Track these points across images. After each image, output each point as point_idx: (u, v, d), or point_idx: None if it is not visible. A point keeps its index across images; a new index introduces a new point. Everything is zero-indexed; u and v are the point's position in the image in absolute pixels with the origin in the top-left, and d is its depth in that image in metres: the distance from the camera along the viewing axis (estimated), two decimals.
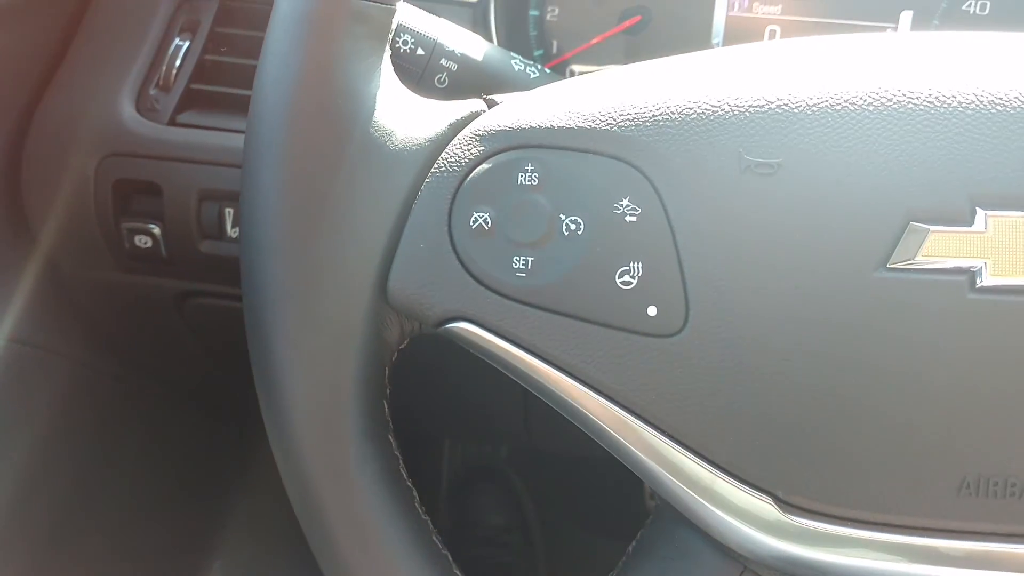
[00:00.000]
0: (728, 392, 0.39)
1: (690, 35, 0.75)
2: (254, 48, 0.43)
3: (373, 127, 0.41)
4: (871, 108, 0.38)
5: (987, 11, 0.70)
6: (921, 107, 0.38)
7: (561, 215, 0.40)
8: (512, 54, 0.57)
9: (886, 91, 0.39)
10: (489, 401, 0.82)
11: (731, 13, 0.74)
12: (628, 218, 0.39)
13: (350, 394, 0.41)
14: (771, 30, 0.73)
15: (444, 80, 0.53)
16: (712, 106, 0.39)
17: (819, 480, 0.39)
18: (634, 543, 0.46)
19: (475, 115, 0.43)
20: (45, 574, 0.79)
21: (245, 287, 0.41)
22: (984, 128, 0.38)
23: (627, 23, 0.75)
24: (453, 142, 0.42)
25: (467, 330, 0.40)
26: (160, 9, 0.68)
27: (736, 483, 0.39)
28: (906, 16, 0.71)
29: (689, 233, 0.39)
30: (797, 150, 0.38)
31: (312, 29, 0.40)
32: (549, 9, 0.77)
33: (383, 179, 0.41)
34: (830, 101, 0.39)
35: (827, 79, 0.40)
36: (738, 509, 0.40)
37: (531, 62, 0.58)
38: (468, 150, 0.41)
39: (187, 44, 0.67)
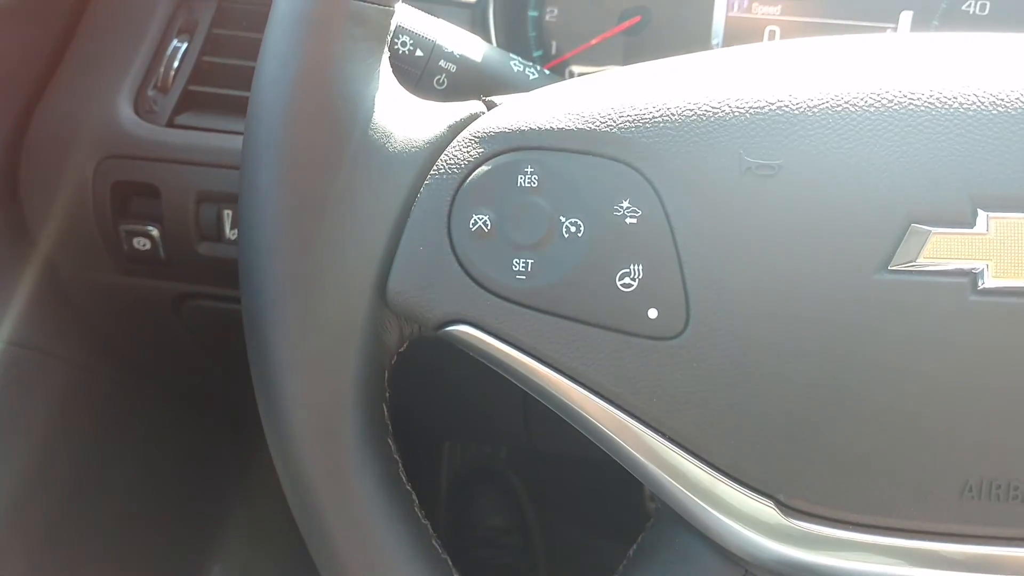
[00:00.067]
0: (729, 395, 0.38)
1: (690, 36, 0.74)
2: (252, 50, 0.43)
3: (372, 129, 0.40)
4: (872, 109, 0.38)
5: (987, 11, 0.69)
6: (922, 108, 0.38)
7: (561, 217, 0.40)
8: (511, 55, 0.57)
9: (887, 92, 0.39)
10: (489, 402, 0.82)
11: (731, 14, 0.73)
12: (628, 220, 0.39)
13: (349, 397, 0.41)
14: (771, 30, 0.73)
15: (443, 81, 0.53)
16: (712, 107, 0.39)
17: (821, 483, 0.39)
18: (635, 546, 0.46)
19: (474, 117, 0.43)
20: None
21: (244, 289, 0.41)
22: (985, 129, 0.38)
23: (626, 24, 0.75)
24: (452, 144, 0.42)
25: (467, 333, 0.40)
26: (158, 11, 0.68)
27: (737, 486, 0.39)
28: (906, 16, 0.70)
29: (690, 235, 0.38)
30: (798, 152, 0.38)
31: (310, 30, 0.40)
32: (548, 10, 0.77)
33: (382, 181, 0.40)
34: (831, 102, 0.39)
35: (828, 80, 0.39)
36: (739, 512, 0.39)
37: (530, 63, 0.57)
38: (467, 152, 0.41)
39: (185, 45, 0.67)
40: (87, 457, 0.83)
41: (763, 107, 0.39)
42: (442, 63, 0.52)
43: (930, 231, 0.37)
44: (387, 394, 0.43)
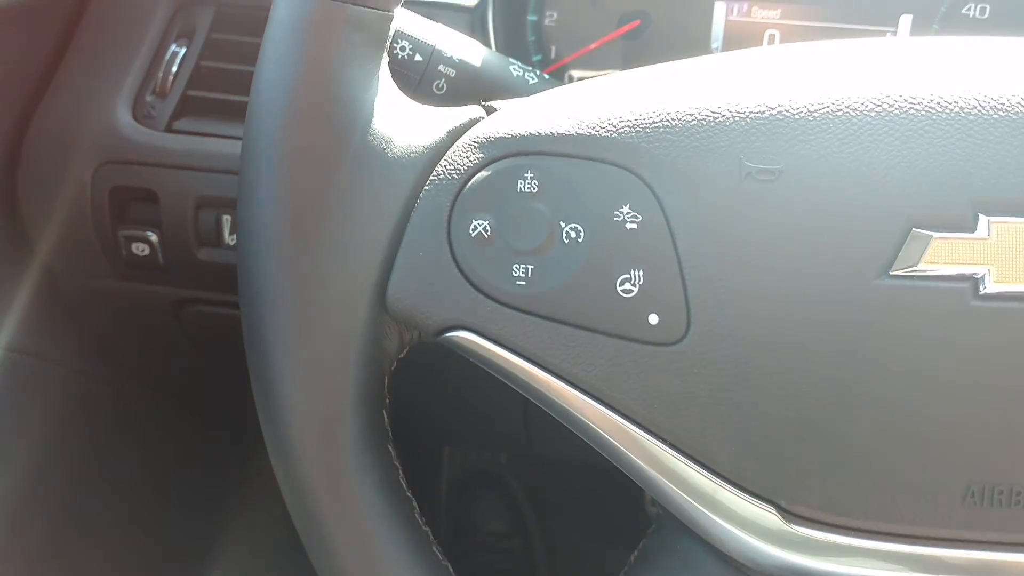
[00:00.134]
0: (730, 401, 0.38)
1: (689, 39, 0.74)
2: (251, 54, 0.43)
3: (371, 134, 0.40)
4: (872, 114, 0.38)
5: (987, 15, 0.69)
6: (922, 112, 0.38)
7: (561, 222, 0.39)
8: (511, 60, 0.57)
9: (887, 96, 0.39)
10: (489, 407, 0.82)
11: (730, 17, 0.73)
12: (629, 225, 0.39)
13: (349, 403, 0.41)
14: (770, 34, 0.73)
15: (442, 86, 0.53)
16: (713, 112, 0.39)
17: (822, 489, 0.39)
18: (636, 552, 0.46)
19: (474, 122, 0.43)
20: None
21: (243, 294, 0.41)
22: (986, 133, 0.37)
23: (626, 28, 0.75)
24: (452, 149, 0.42)
25: (467, 339, 0.40)
26: (156, 15, 0.67)
27: (738, 492, 0.39)
28: (905, 20, 0.70)
29: (690, 240, 0.38)
30: (798, 156, 0.38)
31: (309, 35, 0.40)
32: (547, 14, 0.77)
33: (381, 186, 0.40)
34: (831, 107, 0.39)
35: (828, 85, 0.39)
36: (740, 518, 0.39)
37: (529, 68, 0.57)
38: (467, 157, 0.41)
39: (184, 50, 0.67)
40: (86, 462, 0.83)
41: (763, 112, 0.39)
42: (441, 68, 0.52)
43: (931, 236, 0.37)
44: (387, 400, 0.43)
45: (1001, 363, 0.37)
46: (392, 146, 0.41)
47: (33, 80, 0.67)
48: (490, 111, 0.44)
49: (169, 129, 0.66)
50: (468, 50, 0.54)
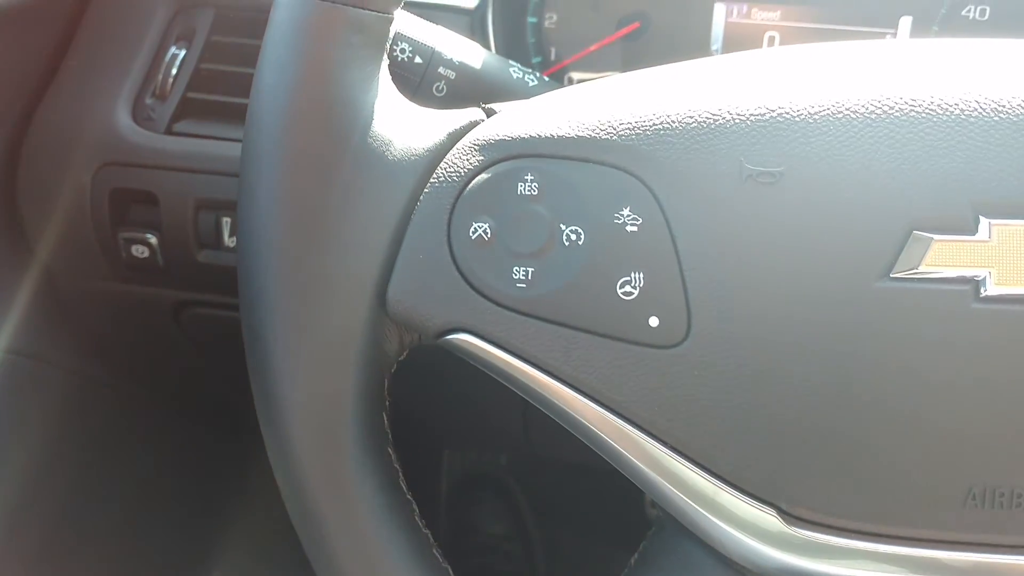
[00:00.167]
0: (731, 403, 0.38)
1: (689, 41, 0.74)
2: (250, 57, 0.43)
3: (371, 136, 0.40)
4: (873, 116, 0.38)
5: (987, 16, 0.69)
6: (923, 115, 0.38)
7: (561, 225, 0.39)
8: (510, 62, 0.57)
9: (888, 99, 0.39)
10: (488, 407, 0.82)
11: (730, 19, 0.73)
12: (629, 228, 0.39)
13: (349, 406, 0.41)
14: (770, 36, 0.73)
15: (442, 88, 0.53)
16: (713, 114, 0.39)
17: (823, 491, 0.39)
18: (636, 555, 0.46)
19: (474, 124, 0.43)
20: None
21: (243, 297, 0.41)
22: (987, 136, 0.37)
23: (625, 30, 0.75)
24: (452, 152, 0.42)
25: (467, 341, 0.40)
26: (156, 18, 0.67)
27: (739, 495, 0.39)
28: (905, 22, 0.70)
29: (691, 243, 0.38)
30: (799, 159, 0.38)
31: (309, 38, 0.40)
32: (547, 16, 0.77)
33: (381, 189, 0.40)
34: (832, 109, 0.39)
35: (828, 87, 0.39)
36: (741, 521, 0.39)
37: (529, 70, 0.57)
38: (467, 160, 0.41)
39: (183, 53, 0.67)
40: (85, 465, 0.83)
41: (764, 114, 0.39)
42: (441, 70, 0.52)
43: (932, 238, 0.37)
44: (387, 402, 0.43)
45: (1002, 365, 0.37)
46: (392, 148, 0.41)
47: (33, 82, 0.67)
48: (490, 113, 0.44)
49: (169, 131, 0.66)
50: (468, 52, 0.54)
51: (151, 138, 0.65)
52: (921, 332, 0.37)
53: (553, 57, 0.77)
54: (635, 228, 0.39)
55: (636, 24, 0.75)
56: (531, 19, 0.76)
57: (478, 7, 0.71)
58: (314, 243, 0.39)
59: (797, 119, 0.38)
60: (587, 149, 0.40)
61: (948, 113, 0.38)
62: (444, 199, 0.40)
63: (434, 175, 0.41)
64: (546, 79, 0.58)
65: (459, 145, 0.42)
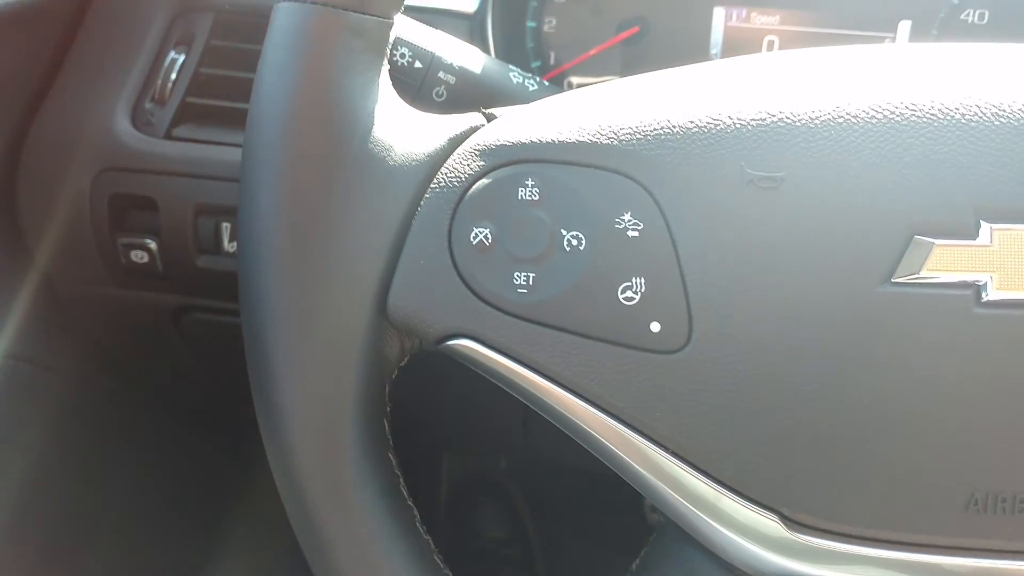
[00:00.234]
0: (732, 409, 0.38)
1: (688, 46, 0.74)
2: (250, 61, 0.43)
3: (371, 141, 0.40)
4: (874, 121, 0.38)
5: (985, 20, 0.69)
6: (924, 119, 0.38)
7: (562, 230, 0.39)
8: (510, 66, 0.57)
9: (889, 103, 0.39)
10: (488, 411, 0.82)
11: (729, 23, 0.73)
12: (630, 233, 0.39)
13: (349, 411, 0.40)
14: (769, 40, 0.73)
15: (442, 93, 0.53)
16: (714, 119, 0.39)
17: (825, 497, 0.39)
18: (637, 561, 0.46)
19: (474, 129, 0.43)
20: None
21: (243, 302, 0.40)
22: (988, 140, 0.37)
23: (625, 34, 0.75)
24: (452, 157, 0.41)
25: (468, 347, 0.40)
26: (155, 22, 0.67)
27: (741, 500, 0.39)
28: (904, 26, 0.71)
29: (692, 248, 0.38)
30: (800, 163, 0.38)
31: (309, 42, 0.40)
32: (546, 20, 0.77)
33: (382, 194, 0.40)
34: (832, 114, 0.39)
35: (829, 92, 0.39)
36: (743, 526, 0.39)
37: (529, 74, 0.57)
38: (468, 165, 0.41)
39: (183, 57, 0.67)
40: (84, 471, 0.83)
41: (765, 119, 0.39)
42: (441, 75, 0.52)
43: (933, 243, 0.37)
44: (388, 408, 0.43)
45: (1004, 370, 0.37)
46: (392, 153, 0.41)
47: (32, 88, 0.67)
48: (490, 118, 0.44)
49: (168, 136, 0.66)
50: (468, 57, 0.54)
51: (150, 143, 0.65)
52: (923, 337, 0.37)
53: (553, 61, 0.77)
54: (636, 233, 0.39)
55: (635, 28, 0.75)
56: (530, 23, 0.76)
57: (478, 11, 0.71)
58: (314, 248, 0.39)
59: (798, 124, 0.38)
60: (588, 154, 0.40)
61: (949, 118, 0.38)
62: (445, 204, 0.40)
63: (435, 180, 0.41)
64: (546, 84, 0.58)
65: (459, 150, 0.42)
